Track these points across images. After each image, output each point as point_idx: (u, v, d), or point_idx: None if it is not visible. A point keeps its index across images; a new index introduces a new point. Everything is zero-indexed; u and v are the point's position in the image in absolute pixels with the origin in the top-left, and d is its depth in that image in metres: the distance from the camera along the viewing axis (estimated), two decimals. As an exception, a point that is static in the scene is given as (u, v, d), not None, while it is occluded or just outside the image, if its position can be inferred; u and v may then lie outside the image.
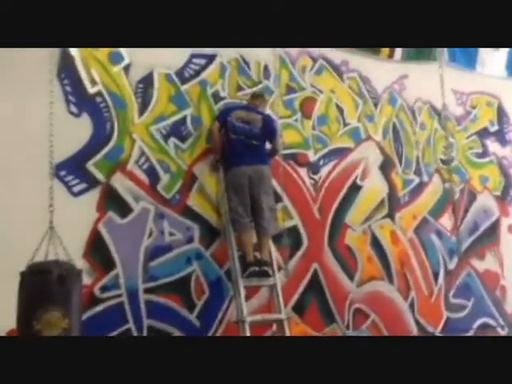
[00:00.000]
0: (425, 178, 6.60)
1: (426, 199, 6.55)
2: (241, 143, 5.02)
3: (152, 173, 4.91)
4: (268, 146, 5.20)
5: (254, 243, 5.01)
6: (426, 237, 6.45)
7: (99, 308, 4.51)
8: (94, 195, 4.62)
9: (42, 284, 3.35)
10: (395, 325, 5.99)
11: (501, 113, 7.38)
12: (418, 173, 6.55)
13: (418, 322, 6.16)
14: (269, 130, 5.19)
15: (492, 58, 7.30)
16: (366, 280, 5.92)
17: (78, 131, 4.61)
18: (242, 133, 5.04)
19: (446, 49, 6.85)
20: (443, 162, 6.79)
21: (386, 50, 6.51)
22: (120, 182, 4.74)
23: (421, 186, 6.53)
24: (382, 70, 6.45)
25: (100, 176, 4.66)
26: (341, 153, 6.03)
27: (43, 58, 4.21)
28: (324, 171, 5.89)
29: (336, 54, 6.14)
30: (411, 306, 6.15)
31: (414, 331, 6.11)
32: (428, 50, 6.76)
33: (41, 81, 4.13)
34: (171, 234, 4.92)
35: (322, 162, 5.90)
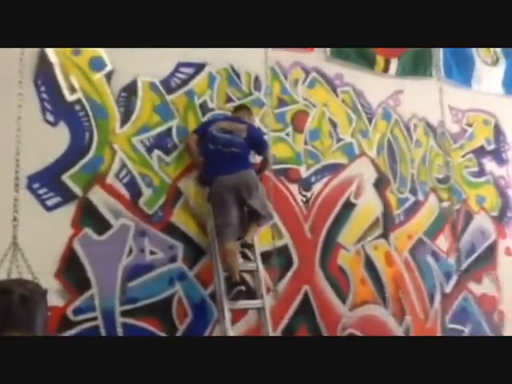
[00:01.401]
0: (420, 196, 6.28)
1: (422, 219, 6.22)
2: (219, 153, 4.69)
3: (133, 187, 4.57)
4: (256, 158, 4.87)
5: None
6: (422, 258, 6.10)
7: (72, 332, 4.13)
8: (69, 210, 4.26)
9: (3, 305, 3.01)
10: (389, 351, 5.62)
11: (497, 131, 7.08)
12: (413, 191, 6.23)
13: (413, 348, 5.80)
14: (255, 139, 4.89)
15: (488, 75, 7.05)
16: (360, 303, 5.56)
17: (53, 141, 4.27)
18: (220, 143, 4.72)
19: (441, 65, 6.63)
20: (439, 180, 6.51)
21: (381, 64, 6.24)
22: (98, 196, 4.39)
23: (416, 205, 6.20)
24: (377, 84, 6.16)
25: (76, 189, 4.31)
26: (334, 169, 5.71)
27: (12, 59, 3.87)
28: (316, 188, 5.56)
29: (330, 67, 5.84)
30: (406, 331, 5.79)
31: (409, 358, 5.74)
32: (424, 65, 6.52)
33: (9, 83, 3.79)
34: (152, 253, 4.55)
35: (314, 179, 5.57)
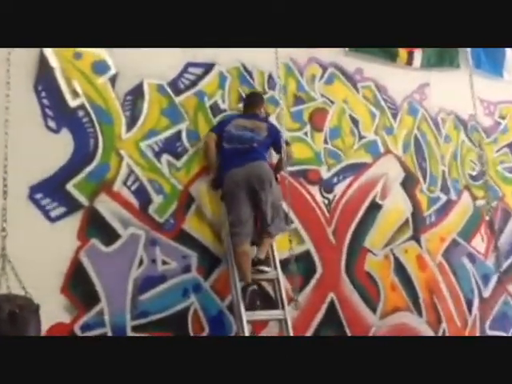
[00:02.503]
0: (453, 195, 5.91)
1: (455, 219, 5.84)
2: (234, 151, 4.46)
3: (142, 194, 4.33)
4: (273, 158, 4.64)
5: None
6: (457, 261, 5.71)
7: (80, 350, 3.90)
8: (74, 220, 4.05)
9: (-11, 323, 2.76)
10: (425, 361, 5.25)
11: (533, 123, 6.68)
12: (444, 190, 5.86)
13: (451, 358, 5.41)
14: (276, 138, 4.64)
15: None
16: (390, 311, 5.19)
17: (56, 148, 4.07)
18: (238, 140, 4.49)
19: (470, 55, 6.26)
20: (473, 177, 6.12)
21: (403, 57, 5.90)
22: (105, 205, 4.17)
23: (449, 205, 5.82)
24: (401, 77, 5.82)
25: (82, 198, 4.10)
26: (357, 169, 5.38)
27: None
28: (339, 189, 5.24)
29: (348, 62, 5.54)
30: (443, 339, 5.42)
31: (447, 368, 5.35)
32: (450, 56, 6.16)
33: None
34: (165, 263, 4.31)
35: (336, 180, 5.26)
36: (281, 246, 4.66)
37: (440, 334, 5.41)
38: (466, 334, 5.59)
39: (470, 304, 5.68)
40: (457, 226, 5.84)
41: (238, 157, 4.42)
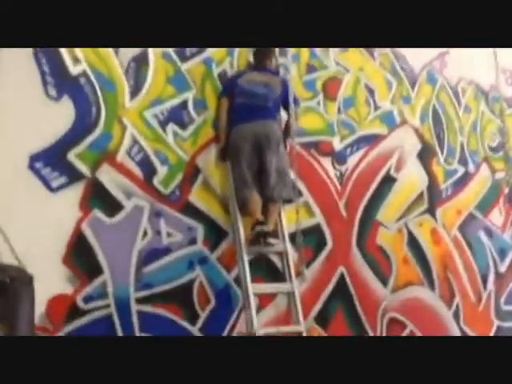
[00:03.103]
0: (471, 167, 5.68)
1: (473, 192, 5.63)
2: (245, 106, 4.30)
3: (147, 165, 4.18)
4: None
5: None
6: (473, 235, 5.52)
7: (83, 321, 3.81)
8: (76, 191, 3.91)
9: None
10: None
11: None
12: (462, 162, 5.63)
13: (463, 333, 5.25)
14: (287, 95, 4.47)
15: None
16: (402, 285, 5.04)
17: (57, 117, 3.91)
18: (250, 95, 4.32)
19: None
20: (492, 149, 5.86)
21: (423, 23, 5.61)
22: (108, 176, 4.02)
23: (466, 177, 5.61)
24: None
25: (83, 168, 3.95)
26: (371, 140, 5.17)
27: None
28: (351, 161, 5.04)
29: (364, 28, 5.29)
30: (456, 314, 5.25)
31: (460, 344, 5.20)
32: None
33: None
34: (170, 235, 4.18)
35: (349, 151, 5.05)
36: (290, 219, 4.52)
37: (453, 308, 5.24)
38: (480, 309, 5.43)
39: (485, 279, 5.51)
40: (474, 199, 5.64)
41: (249, 112, 4.27)
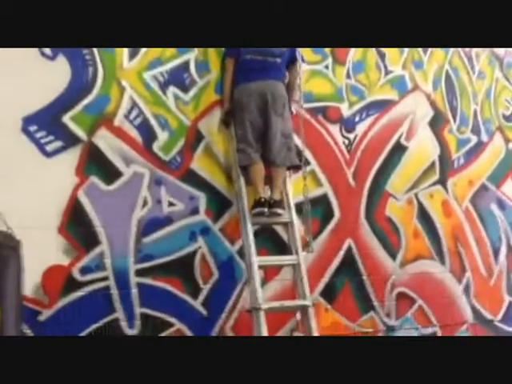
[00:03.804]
0: (484, 136, 5.47)
1: (486, 162, 5.44)
2: (252, 64, 4.10)
3: (146, 129, 3.97)
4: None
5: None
6: (485, 207, 5.35)
7: (79, 293, 3.63)
8: (72, 156, 3.71)
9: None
10: (447, 312, 4.95)
11: None
12: (475, 131, 5.43)
13: (474, 309, 5.11)
14: (295, 50, 4.28)
15: None
16: (412, 259, 4.87)
17: (52, 77, 3.69)
18: (257, 51, 4.10)
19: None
20: (506, 117, 5.65)
21: (437, -17, 5.36)
22: (105, 140, 3.82)
23: (479, 147, 5.42)
24: (433, 7, 5.30)
25: (80, 132, 3.75)
26: (381, 106, 4.95)
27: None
28: (360, 129, 4.83)
29: (376, -13, 5.03)
30: (466, 289, 5.09)
31: (470, 319, 5.07)
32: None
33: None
34: (171, 204, 3.99)
35: (358, 118, 4.84)
36: (296, 189, 4.33)
37: (464, 283, 5.09)
38: (492, 283, 5.28)
39: (496, 253, 5.34)
40: (487, 169, 5.46)
41: (256, 71, 4.07)
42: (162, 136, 4.03)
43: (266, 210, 3.95)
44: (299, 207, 4.30)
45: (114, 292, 3.75)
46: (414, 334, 4.76)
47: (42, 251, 3.53)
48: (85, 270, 3.68)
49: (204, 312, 4.01)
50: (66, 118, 3.72)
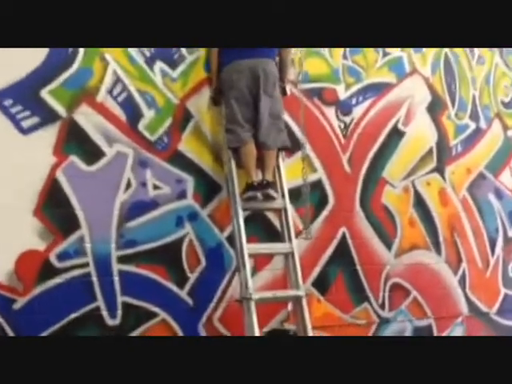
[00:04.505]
0: (482, 123, 5.29)
1: (484, 150, 5.25)
2: None
3: (131, 106, 3.72)
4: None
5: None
6: (483, 197, 5.17)
7: (57, 281, 3.40)
8: (50, 133, 3.46)
9: None
10: (441, 304, 4.79)
11: None
12: (474, 117, 5.24)
13: (469, 301, 4.95)
14: None
15: None
16: (407, 249, 4.68)
17: (29, 48, 3.39)
18: None
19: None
20: (505, 104, 5.48)
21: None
22: (86, 117, 3.56)
23: (477, 134, 5.23)
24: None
25: (59, 108, 3.49)
26: (379, 89, 4.73)
27: None
28: (357, 112, 4.62)
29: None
30: (462, 280, 4.92)
31: (465, 311, 4.91)
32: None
33: None
34: (156, 187, 3.76)
35: (354, 101, 4.64)
36: (291, 174, 4.11)
37: (459, 274, 4.93)
38: (488, 275, 5.12)
39: (493, 243, 5.18)
40: (485, 157, 5.28)
41: (248, 49, 3.78)
42: (148, 114, 3.79)
43: (258, 194, 3.73)
44: (292, 192, 4.08)
45: (95, 279, 3.52)
46: (409, 326, 4.60)
47: (17, 235, 3.30)
48: (63, 256, 3.44)
49: (190, 302, 3.80)
50: (44, 93, 3.46)
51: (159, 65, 3.85)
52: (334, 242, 4.39)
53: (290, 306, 4.08)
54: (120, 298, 3.57)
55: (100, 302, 3.51)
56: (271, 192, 3.82)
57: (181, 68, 3.92)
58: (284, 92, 4.11)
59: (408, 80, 4.91)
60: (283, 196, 3.98)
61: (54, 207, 3.43)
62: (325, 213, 4.38)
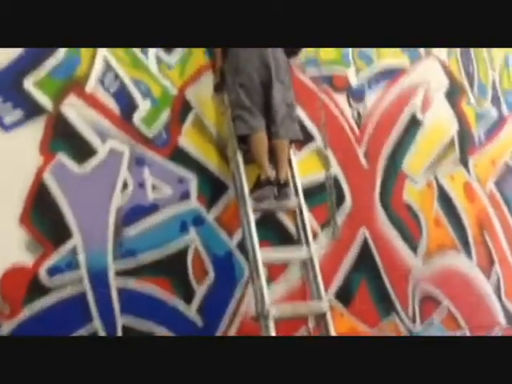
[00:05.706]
0: (505, 109, 5.39)
1: (508, 138, 5.36)
2: None
3: (124, 98, 3.70)
4: None
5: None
6: (510, 190, 5.26)
7: (48, 300, 3.30)
8: (35, 129, 3.40)
9: None
10: (476, 314, 4.80)
11: None
12: (495, 103, 5.35)
13: (505, 309, 4.97)
14: None
15: None
16: (435, 250, 4.71)
17: (8, 33, 3.39)
18: None
19: None
20: (528, 88, 5.61)
21: None
22: (75, 110, 3.52)
23: (500, 121, 5.35)
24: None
25: (44, 100, 3.45)
26: (392, 74, 4.81)
27: None
28: (370, 99, 4.67)
29: None
30: (497, 286, 4.96)
31: (502, 322, 4.93)
32: None
33: None
34: (156, 188, 3.71)
35: (366, 87, 4.68)
36: (304, 170, 4.10)
37: (493, 279, 4.95)
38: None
39: (526, 243, 5.25)
40: (509, 146, 5.36)
41: None
42: (144, 106, 3.76)
43: (275, 190, 3.70)
44: (306, 191, 4.06)
45: (90, 298, 3.42)
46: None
47: (0, 247, 3.20)
48: (54, 271, 3.35)
49: (198, 321, 3.72)
50: (28, 83, 3.42)
51: (154, 51, 3.83)
52: (354, 246, 4.38)
53: (310, 324, 4.03)
54: (119, 319, 3.47)
55: (97, 323, 3.41)
56: (288, 191, 3.80)
57: (179, 54, 3.91)
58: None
59: (423, 63, 5.00)
60: (297, 194, 3.96)
61: (42, 214, 3.35)
62: (341, 213, 4.37)
